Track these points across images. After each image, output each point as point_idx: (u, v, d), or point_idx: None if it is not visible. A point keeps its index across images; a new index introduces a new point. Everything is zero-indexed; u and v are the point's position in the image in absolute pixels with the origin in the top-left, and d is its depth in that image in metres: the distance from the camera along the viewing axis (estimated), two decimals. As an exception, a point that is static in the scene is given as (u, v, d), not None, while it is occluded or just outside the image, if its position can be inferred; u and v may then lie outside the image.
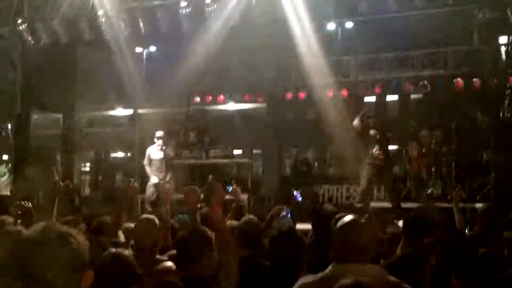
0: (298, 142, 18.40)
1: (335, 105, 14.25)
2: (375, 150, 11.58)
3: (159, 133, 13.59)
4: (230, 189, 13.23)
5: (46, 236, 2.08)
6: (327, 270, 3.46)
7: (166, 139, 13.59)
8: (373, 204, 12.47)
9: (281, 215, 7.31)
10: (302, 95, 16.58)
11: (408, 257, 4.70)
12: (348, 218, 3.60)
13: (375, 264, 3.54)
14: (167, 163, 13.40)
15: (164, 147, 13.39)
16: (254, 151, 19.52)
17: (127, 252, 3.84)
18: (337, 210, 5.90)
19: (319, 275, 3.47)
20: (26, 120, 14.95)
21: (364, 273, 3.25)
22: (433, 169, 13.01)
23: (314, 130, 16.12)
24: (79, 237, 2.15)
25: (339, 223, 3.57)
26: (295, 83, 16.67)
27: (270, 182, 17.14)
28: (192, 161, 14.71)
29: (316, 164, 19.04)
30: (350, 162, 12.83)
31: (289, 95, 16.73)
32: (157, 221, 5.35)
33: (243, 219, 5.74)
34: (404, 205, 11.55)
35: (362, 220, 3.66)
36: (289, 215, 7.28)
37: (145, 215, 5.79)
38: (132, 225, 6.03)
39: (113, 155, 20.18)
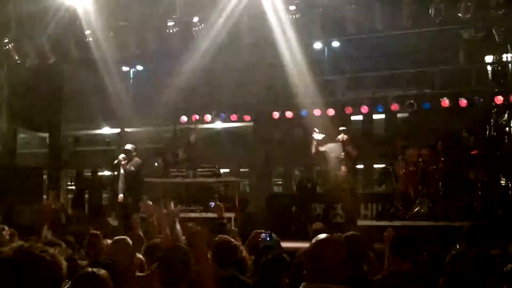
0: (285, 161, 18.41)
1: (322, 125, 14.27)
2: (342, 168, 12.01)
3: (127, 146, 13.52)
4: (213, 205, 13.22)
5: (21, 256, 2.15)
6: None
7: (131, 154, 13.47)
8: (361, 222, 12.53)
9: (261, 238, 7.26)
10: (289, 114, 16.62)
11: (397, 274, 4.70)
12: (320, 237, 3.55)
13: (345, 285, 3.44)
14: (128, 179, 13.32)
15: (125, 162, 13.30)
16: (241, 170, 19.51)
17: (103, 271, 3.83)
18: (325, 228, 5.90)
19: None
20: (12, 139, 14.86)
21: None
22: (420, 188, 13.03)
23: (301, 149, 16.13)
24: (56, 257, 2.21)
25: (312, 241, 3.54)
26: (282, 102, 16.71)
27: (257, 200, 17.11)
28: (179, 179, 14.64)
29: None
30: (334, 181, 12.86)
31: (276, 114, 16.76)
32: (129, 241, 5.50)
33: (216, 239, 5.65)
34: (391, 223, 11.54)
35: (333, 239, 3.59)
36: (268, 238, 7.21)
37: (117, 237, 5.88)
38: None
39: (100, 173, 20.09)
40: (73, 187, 17.77)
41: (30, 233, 8.11)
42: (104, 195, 17.94)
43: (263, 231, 7.54)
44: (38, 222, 11.32)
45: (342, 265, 3.40)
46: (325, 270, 3.35)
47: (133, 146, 13.76)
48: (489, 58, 19.29)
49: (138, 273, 5.26)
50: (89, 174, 17.60)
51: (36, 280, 2.10)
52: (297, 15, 11.27)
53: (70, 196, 18.13)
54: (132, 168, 13.56)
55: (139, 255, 6.04)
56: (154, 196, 14.14)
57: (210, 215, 13.32)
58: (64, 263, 2.22)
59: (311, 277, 3.38)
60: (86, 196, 17.45)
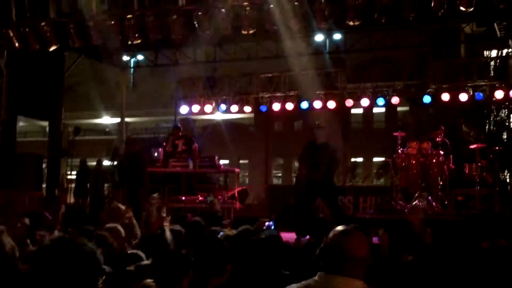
0: (285, 153, 18.45)
1: (322, 116, 14.26)
2: None
3: (128, 138, 13.71)
4: (209, 200, 13.35)
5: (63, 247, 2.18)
6: (312, 280, 3.34)
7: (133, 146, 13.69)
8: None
9: (264, 227, 7.33)
10: (289, 106, 16.62)
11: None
12: (342, 227, 3.43)
13: (363, 281, 3.37)
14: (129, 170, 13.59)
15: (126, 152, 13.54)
16: (241, 161, 19.55)
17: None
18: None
19: (304, 283, 3.38)
20: (11, 126, 14.85)
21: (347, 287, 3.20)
22: (419, 181, 13.05)
23: (300, 141, 16.15)
24: (95, 250, 2.26)
25: (334, 232, 3.41)
26: (283, 94, 16.70)
27: (256, 191, 17.15)
28: (178, 170, 14.65)
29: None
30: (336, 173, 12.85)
31: (277, 106, 16.76)
32: (121, 229, 5.52)
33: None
34: (390, 217, 11.58)
35: (358, 232, 3.43)
36: (272, 226, 7.28)
37: (109, 225, 5.91)
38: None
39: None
40: (74, 176, 17.74)
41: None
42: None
43: (267, 219, 7.61)
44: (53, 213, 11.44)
45: (363, 260, 3.32)
46: (346, 263, 3.27)
47: (134, 137, 13.82)
48: (490, 53, 19.31)
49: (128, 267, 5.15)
50: (94, 164, 17.59)
51: (76, 272, 2.08)
52: (299, 6, 11.23)
53: (71, 185, 18.12)
54: (133, 160, 13.62)
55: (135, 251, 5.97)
56: (153, 187, 14.20)
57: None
58: (101, 257, 2.22)
59: (329, 269, 3.30)
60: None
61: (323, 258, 3.37)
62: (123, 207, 7.97)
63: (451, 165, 13.00)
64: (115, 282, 4.20)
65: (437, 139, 13.14)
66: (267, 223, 7.38)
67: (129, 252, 5.68)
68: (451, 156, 13.07)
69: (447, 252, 5.19)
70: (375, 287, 3.39)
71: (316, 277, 3.34)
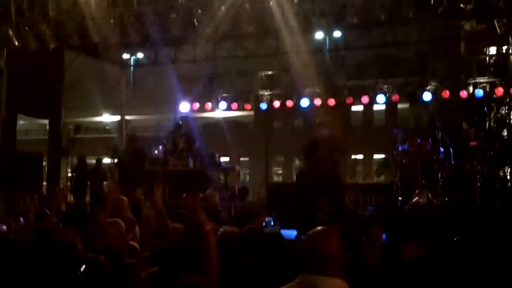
0: (285, 150, 18.46)
1: (322, 114, 14.29)
2: None
3: (130, 136, 13.78)
4: (208, 193, 13.32)
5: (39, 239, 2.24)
6: (293, 282, 3.40)
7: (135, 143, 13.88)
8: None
9: (265, 223, 7.34)
10: (289, 103, 16.60)
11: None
12: (317, 228, 3.51)
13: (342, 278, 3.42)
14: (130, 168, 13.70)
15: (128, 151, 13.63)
16: (242, 159, 19.55)
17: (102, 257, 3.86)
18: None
19: (285, 286, 3.41)
20: (12, 125, 14.85)
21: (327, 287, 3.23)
22: (419, 178, 13.06)
23: (301, 138, 16.16)
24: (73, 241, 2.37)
25: (308, 233, 3.51)
26: (283, 92, 16.70)
27: (257, 189, 17.15)
28: (179, 168, 14.65)
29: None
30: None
31: (277, 104, 16.74)
32: (122, 224, 5.53)
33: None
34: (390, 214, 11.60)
35: (330, 231, 3.51)
36: (272, 223, 7.29)
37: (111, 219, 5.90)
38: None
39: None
40: (73, 175, 17.73)
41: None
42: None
43: (267, 216, 7.63)
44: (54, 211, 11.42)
45: (339, 258, 3.37)
46: (322, 262, 3.33)
47: (136, 135, 13.85)
48: (490, 50, 19.30)
49: (128, 260, 5.20)
50: (93, 162, 17.60)
51: (55, 263, 2.13)
52: (299, 4, 11.23)
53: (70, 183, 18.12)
54: (135, 158, 13.69)
55: (133, 243, 6.02)
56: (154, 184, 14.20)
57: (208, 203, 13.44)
58: (80, 247, 2.27)
59: (308, 269, 3.36)
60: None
61: (301, 259, 3.43)
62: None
63: (452, 161, 13.02)
64: (117, 274, 4.22)
65: (437, 136, 13.15)
66: (266, 219, 7.38)
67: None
68: (451, 152, 13.08)
69: (448, 249, 5.20)
70: (371, 285, 3.42)
71: (296, 279, 3.40)
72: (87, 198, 17.01)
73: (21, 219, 7.39)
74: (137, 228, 7.21)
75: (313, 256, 3.36)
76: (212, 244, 4.21)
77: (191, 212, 4.55)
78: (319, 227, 3.54)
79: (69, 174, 16.95)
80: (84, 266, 3.57)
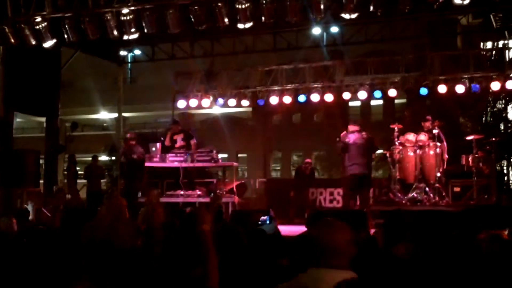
0: (284, 146, 18.46)
1: (320, 110, 14.30)
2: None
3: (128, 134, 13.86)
4: (212, 194, 13.45)
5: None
6: (301, 275, 3.37)
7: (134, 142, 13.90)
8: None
9: (260, 221, 7.36)
10: (287, 99, 16.57)
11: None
12: (322, 221, 3.51)
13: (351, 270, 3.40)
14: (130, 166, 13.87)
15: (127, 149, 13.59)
16: (240, 155, 19.56)
17: None
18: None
19: (293, 281, 3.38)
20: (8, 123, 14.83)
21: (337, 280, 3.21)
22: (416, 173, 13.11)
23: (299, 134, 16.19)
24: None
25: (314, 225, 3.51)
26: (281, 87, 16.66)
27: (255, 184, 17.17)
28: (177, 164, 14.64)
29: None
30: (333, 167, 12.93)
31: (275, 100, 16.69)
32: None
33: None
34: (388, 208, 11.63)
35: (339, 223, 3.47)
36: (268, 221, 7.30)
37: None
38: None
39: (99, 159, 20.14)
40: (69, 172, 17.72)
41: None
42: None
43: (263, 214, 7.65)
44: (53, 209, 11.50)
45: (346, 250, 3.35)
46: (329, 255, 3.30)
47: (135, 132, 13.87)
48: (486, 44, 19.29)
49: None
50: (90, 160, 17.61)
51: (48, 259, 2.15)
52: None
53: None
54: (135, 157, 13.70)
55: None
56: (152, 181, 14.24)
57: (207, 200, 13.49)
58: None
59: (315, 262, 3.34)
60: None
61: (309, 253, 3.41)
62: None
63: (445, 155, 13.09)
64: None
65: (433, 130, 13.19)
66: (262, 218, 7.40)
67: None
68: (445, 146, 13.14)
69: (444, 244, 5.21)
70: (367, 278, 3.42)
71: (305, 273, 3.37)
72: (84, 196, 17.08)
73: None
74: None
75: (320, 249, 3.33)
76: (210, 243, 4.24)
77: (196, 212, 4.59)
78: (327, 219, 3.52)
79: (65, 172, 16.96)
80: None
